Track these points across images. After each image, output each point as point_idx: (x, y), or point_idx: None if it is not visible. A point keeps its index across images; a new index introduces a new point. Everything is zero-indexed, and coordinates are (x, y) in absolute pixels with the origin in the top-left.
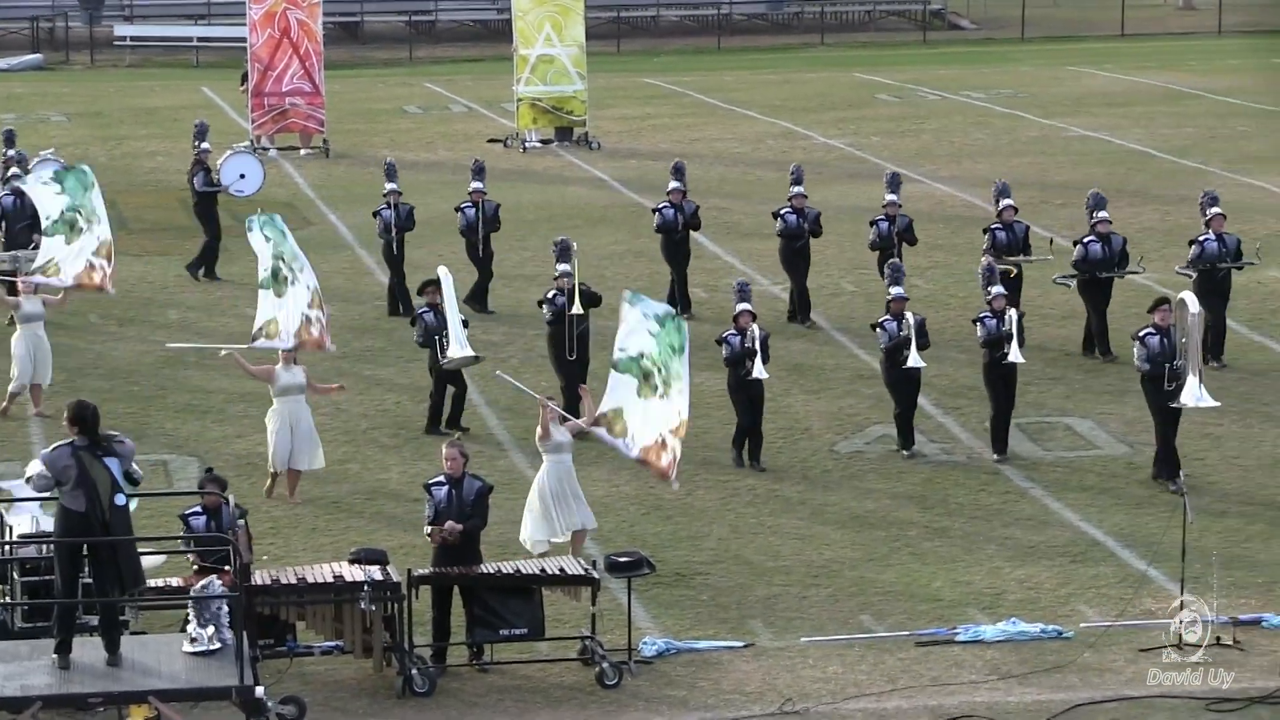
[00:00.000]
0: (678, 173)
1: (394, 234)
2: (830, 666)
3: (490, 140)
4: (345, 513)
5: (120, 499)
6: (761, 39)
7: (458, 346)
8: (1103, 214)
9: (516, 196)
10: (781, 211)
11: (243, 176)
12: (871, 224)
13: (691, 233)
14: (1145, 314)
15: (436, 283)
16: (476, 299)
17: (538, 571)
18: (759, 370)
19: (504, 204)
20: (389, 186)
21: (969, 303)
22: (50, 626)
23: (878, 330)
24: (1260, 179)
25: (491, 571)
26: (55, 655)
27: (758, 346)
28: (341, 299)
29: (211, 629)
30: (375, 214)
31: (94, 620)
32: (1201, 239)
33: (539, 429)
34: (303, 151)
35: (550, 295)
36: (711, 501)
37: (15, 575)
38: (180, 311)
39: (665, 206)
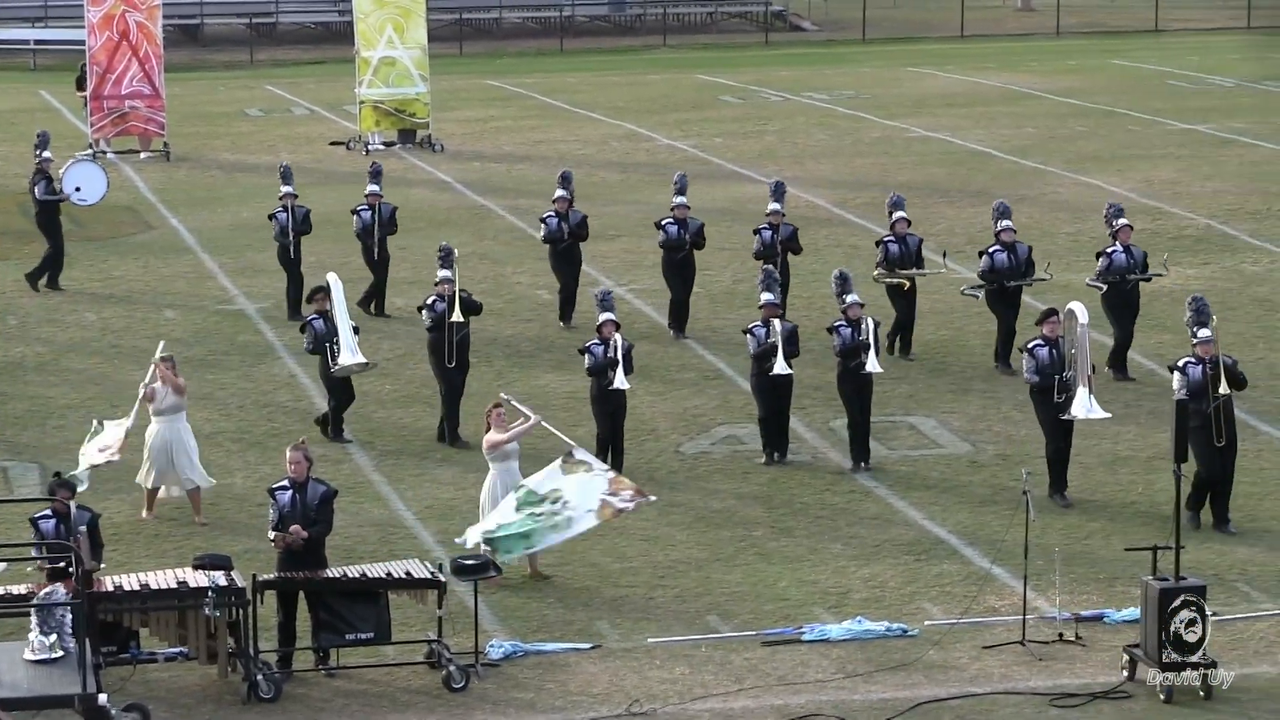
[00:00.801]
0: (564, 181)
1: (290, 237)
2: (677, 667)
3: (333, 143)
4: (189, 518)
5: None
6: (604, 41)
7: (348, 353)
8: (1007, 223)
9: (360, 200)
10: (663, 222)
11: (78, 189)
12: (755, 232)
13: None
14: (1034, 325)
15: (326, 289)
16: (373, 303)
17: (383, 575)
18: (620, 380)
19: (346, 207)
20: (284, 189)
21: (813, 304)
22: None
23: (747, 335)
24: (1098, 178)
25: (337, 576)
26: None
27: (620, 356)
28: (182, 304)
29: (54, 637)
30: (271, 217)
31: None
32: (1109, 251)
33: (487, 439)
34: (143, 155)
35: (430, 301)
36: None
37: None
38: (19, 317)
39: (550, 216)
